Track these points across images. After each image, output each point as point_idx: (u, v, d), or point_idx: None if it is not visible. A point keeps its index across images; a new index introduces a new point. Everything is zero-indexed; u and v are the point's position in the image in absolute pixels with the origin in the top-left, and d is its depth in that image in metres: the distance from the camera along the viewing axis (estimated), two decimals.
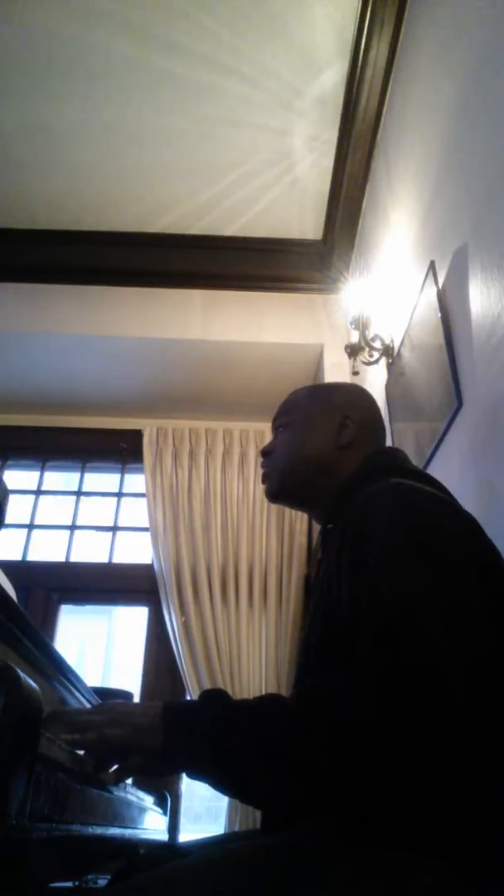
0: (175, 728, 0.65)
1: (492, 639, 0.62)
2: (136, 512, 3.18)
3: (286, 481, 1.03)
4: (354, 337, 2.23)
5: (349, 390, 1.13)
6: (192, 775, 0.66)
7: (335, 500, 0.95)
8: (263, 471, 1.08)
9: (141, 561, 3.02)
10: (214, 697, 0.68)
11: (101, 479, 3.37)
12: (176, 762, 0.66)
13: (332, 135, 2.45)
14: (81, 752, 0.65)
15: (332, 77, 2.26)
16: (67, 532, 3.14)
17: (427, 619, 0.62)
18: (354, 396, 1.09)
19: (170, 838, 1.62)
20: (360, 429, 1.02)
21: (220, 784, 0.65)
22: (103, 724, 0.66)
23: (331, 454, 1.00)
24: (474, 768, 0.56)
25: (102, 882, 1.37)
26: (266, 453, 1.08)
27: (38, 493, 3.25)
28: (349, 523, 0.79)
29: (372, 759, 0.57)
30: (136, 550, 3.12)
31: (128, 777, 0.73)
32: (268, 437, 3.14)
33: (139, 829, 1.03)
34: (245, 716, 0.64)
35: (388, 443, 1.92)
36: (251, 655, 2.65)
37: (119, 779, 0.73)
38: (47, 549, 3.12)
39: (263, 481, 1.08)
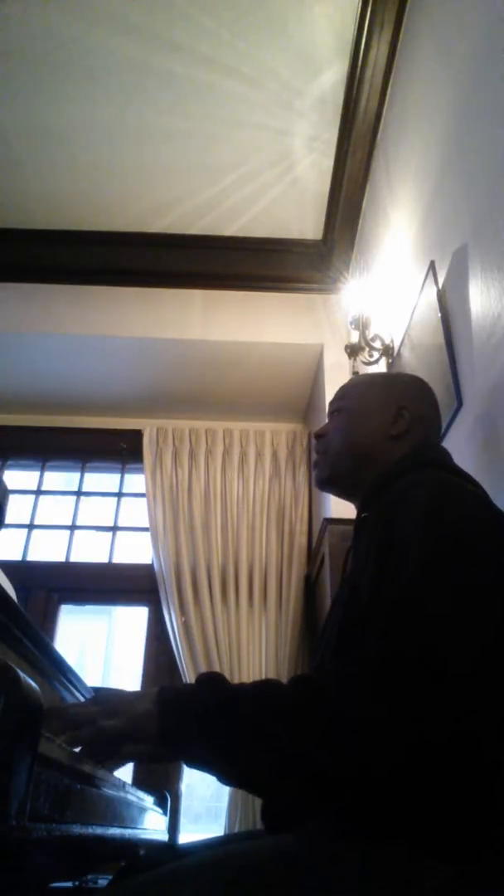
0: (172, 714, 0.64)
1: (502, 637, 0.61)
2: (136, 512, 3.18)
3: (335, 470, 1.02)
4: (354, 337, 2.23)
5: (410, 382, 1.11)
6: (190, 764, 0.65)
7: (372, 490, 0.93)
8: (316, 455, 1.07)
9: (141, 561, 3.02)
10: (211, 682, 0.67)
11: (101, 479, 3.37)
12: (173, 748, 0.66)
13: (332, 135, 2.45)
14: (79, 748, 0.65)
15: (332, 77, 2.26)
16: (67, 532, 3.14)
17: (435, 617, 0.62)
18: (415, 389, 1.08)
19: (170, 838, 1.62)
20: (414, 421, 1.01)
21: (216, 771, 0.65)
22: (98, 716, 0.65)
23: (379, 443, 0.99)
24: (476, 768, 0.56)
25: (102, 882, 1.37)
26: (319, 436, 1.07)
27: (38, 493, 3.25)
28: (383, 514, 0.78)
29: (367, 755, 0.57)
30: (136, 550, 3.11)
31: (125, 763, 0.73)
32: (267, 438, 3.17)
33: (139, 829, 1.03)
34: (243, 703, 0.63)
35: None
36: (251, 655, 2.65)
37: (115, 765, 0.72)
38: (47, 549, 3.12)
39: (314, 467, 1.08)
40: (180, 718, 0.64)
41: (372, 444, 0.99)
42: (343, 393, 1.09)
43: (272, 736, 0.60)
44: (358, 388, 1.09)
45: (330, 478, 1.04)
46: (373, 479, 0.95)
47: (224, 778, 0.66)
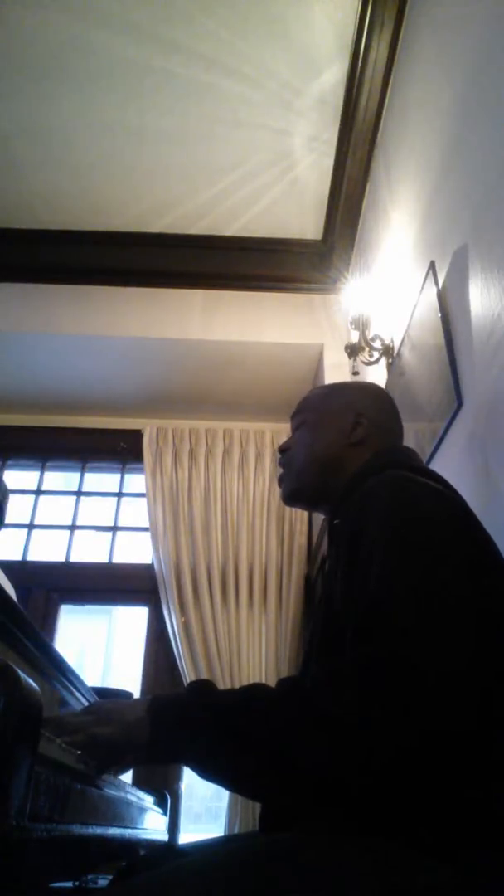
0: (162, 724, 0.67)
1: (476, 633, 0.62)
2: (136, 512, 3.18)
3: (300, 483, 1.03)
4: (354, 337, 2.23)
5: (365, 389, 1.12)
6: (187, 766, 0.69)
7: (341, 497, 0.95)
8: (279, 472, 1.08)
9: (141, 561, 3.02)
10: (200, 690, 0.70)
11: (101, 479, 3.37)
12: (164, 756, 0.69)
13: (332, 135, 2.45)
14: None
15: (332, 77, 2.26)
16: (67, 532, 3.14)
17: (405, 616, 0.63)
18: (370, 395, 1.09)
19: (170, 838, 1.62)
20: (372, 427, 1.02)
21: (206, 774, 0.67)
22: (91, 724, 0.68)
23: (340, 452, 1.00)
24: (459, 766, 0.57)
25: (102, 882, 1.37)
26: (283, 450, 1.08)
27: (38, 493, 3.25)
28: (349, 518, 0.80)
29: (350, 756, 0.58)
30: (136, 550, 3.12)
31: (123, 772, 0.75)
32: (267, 438, 3.17)
33: (139, 829, 1.03)
34: (230, 710, 0.66)
35: None
36: (251, 655, 2.65)
37: (118, 772, 0.74)
38: (47, 549, 3.12)
39: (279, 484, 1.08)
40: (169, 725, 0.67)
41: (332, 455, 1.00)
42: (302, 406, 1.10)
43: (259, 742, 0.62)
44: (315, 400, 1.10)
45: (294, 492, 1.05)
46: (338, 488, 0.96)
47: (212, 779, 0.68)
